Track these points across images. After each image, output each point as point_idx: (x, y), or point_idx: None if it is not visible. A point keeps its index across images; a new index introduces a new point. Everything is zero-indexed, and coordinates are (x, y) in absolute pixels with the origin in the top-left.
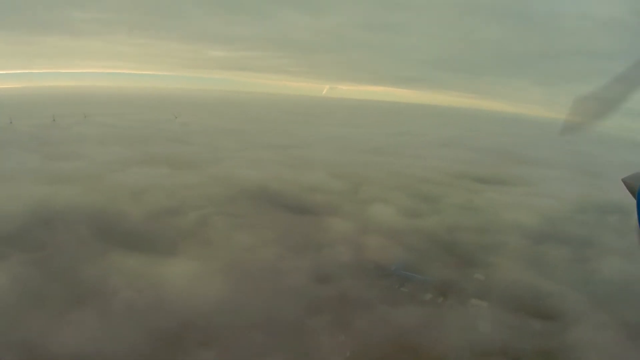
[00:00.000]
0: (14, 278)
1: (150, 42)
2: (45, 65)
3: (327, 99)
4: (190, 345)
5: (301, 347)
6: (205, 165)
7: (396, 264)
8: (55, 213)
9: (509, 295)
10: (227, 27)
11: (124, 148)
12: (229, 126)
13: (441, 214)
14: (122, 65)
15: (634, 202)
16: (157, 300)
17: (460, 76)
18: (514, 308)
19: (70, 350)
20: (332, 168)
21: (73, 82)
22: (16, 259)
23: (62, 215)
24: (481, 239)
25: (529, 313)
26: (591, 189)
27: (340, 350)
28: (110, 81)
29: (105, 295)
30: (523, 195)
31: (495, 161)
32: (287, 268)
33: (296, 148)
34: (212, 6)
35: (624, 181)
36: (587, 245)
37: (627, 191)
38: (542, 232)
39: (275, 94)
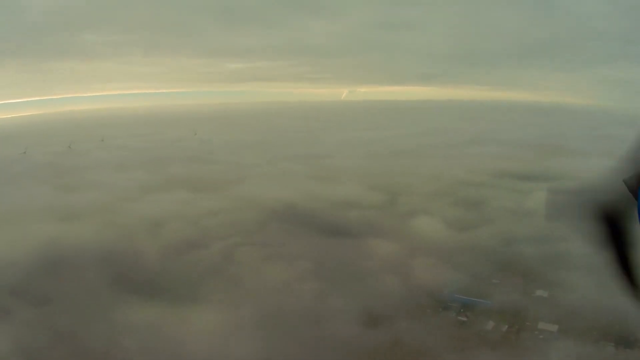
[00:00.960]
0: (15, 342)
1: (166, 60)
2: (63, 90)
3: (348, 102)
4: None
5: None
6: (228, 185)
7: (449, 288)
8: (64, 256)
9: (581, 317)
10: (243, 39)
11: (142, 172)
12: (250, 139)
13: (491, 222)
14: (139, 85)
15: None
16: None
17: (479, 68)
18: (587, 331)
19: None
20: (364, 177)
21: (91, 105)
22: (19, 317)
23: (72, 258)
24: (541, 250)
25: (607, 338)
26: None
27: None
28: (128, 102)
29: None
30: None
31: (532, 154)
32: (328, 310)
33: (323, 157)
34: (226, 19)
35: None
36: None
37: None
38: None
39: (295, 102)
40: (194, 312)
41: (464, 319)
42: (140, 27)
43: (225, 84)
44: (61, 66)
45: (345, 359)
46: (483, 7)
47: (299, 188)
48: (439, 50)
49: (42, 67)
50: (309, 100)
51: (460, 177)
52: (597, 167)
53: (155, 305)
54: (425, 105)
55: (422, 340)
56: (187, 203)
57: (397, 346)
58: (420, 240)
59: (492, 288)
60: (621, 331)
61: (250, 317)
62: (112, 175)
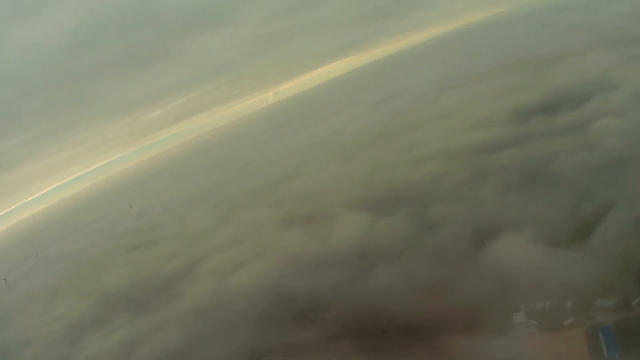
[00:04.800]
0: None
1: (86, 136)
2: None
3: (277, 104)
4: None
5: None
6: (185, 280)
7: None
8: None
9: None
10: (151, 83)
11: (77, 298)
12: (192, 190)
13: (587, 196)
14: (71, 172)
15: None
16: None
17: (395, 16)
18: None
19: None
20: (357, 194)
21: (29, 211)
22: None
23: None
24: None
25: None
26: None
27: None
28: (65, 191)
29: None
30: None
31: (526, 77)
32: None
33: (285, 182)
34: (127, 68)
35: None
36: None
37: None
38: None
39: (226, 124)
40: None
41: None
42: (46, 116)
43: (153, 134)
44: None
45: None
46: None
47: (285, 253)
48: (351, 14)
49: None
50: (239, 117)
51: (477, 141)
52: (596, 62)
53: None
54: (362, 72)
55: None
56: (133, 346)
57: None
58: (522, 297)
59: None
60: None
61: None
62: (45, 316)
